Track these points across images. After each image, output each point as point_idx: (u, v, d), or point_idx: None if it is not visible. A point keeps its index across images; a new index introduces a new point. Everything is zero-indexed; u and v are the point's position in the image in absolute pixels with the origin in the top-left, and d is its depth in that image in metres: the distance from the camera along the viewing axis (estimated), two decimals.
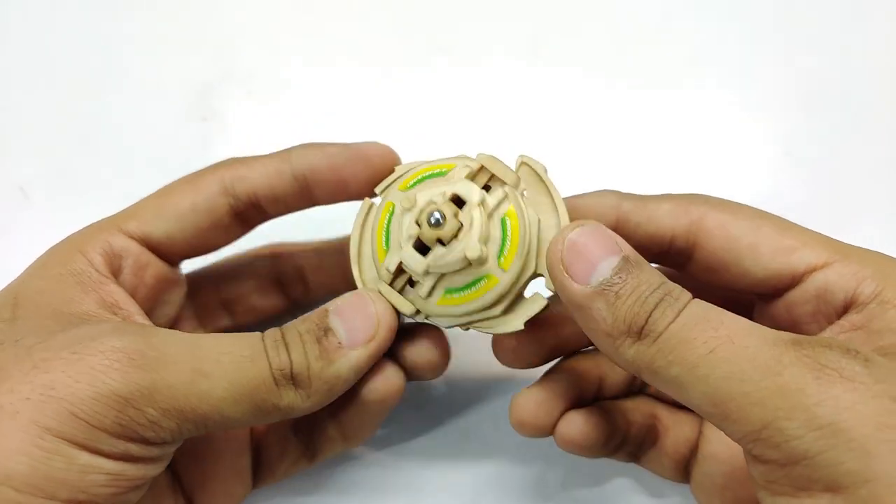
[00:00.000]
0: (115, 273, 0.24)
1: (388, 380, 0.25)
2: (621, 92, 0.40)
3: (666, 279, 0.21)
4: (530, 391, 0.26)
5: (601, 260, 0.21)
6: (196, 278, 0.29)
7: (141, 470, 0.21)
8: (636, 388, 0.28)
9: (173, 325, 0.28)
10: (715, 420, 0.19)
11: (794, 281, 0.22)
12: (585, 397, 0.27)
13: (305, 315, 0.23)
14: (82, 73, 0.40)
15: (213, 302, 0.30)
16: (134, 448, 0.20)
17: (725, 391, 0.18)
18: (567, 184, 0.37)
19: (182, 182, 0.26)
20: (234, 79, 0.40)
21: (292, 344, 0.22)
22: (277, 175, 0.26)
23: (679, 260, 0.25)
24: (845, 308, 0.22)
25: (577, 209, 0.25)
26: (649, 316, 0.20)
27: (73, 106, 0.39)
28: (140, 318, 0.24)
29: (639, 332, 0.20)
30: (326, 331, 0.22)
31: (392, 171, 0.26)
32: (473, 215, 0.22)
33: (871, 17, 0.41)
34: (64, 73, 0.40)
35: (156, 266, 0.26)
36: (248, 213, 0.26)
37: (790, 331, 0.20)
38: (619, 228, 0.24)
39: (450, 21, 0.42)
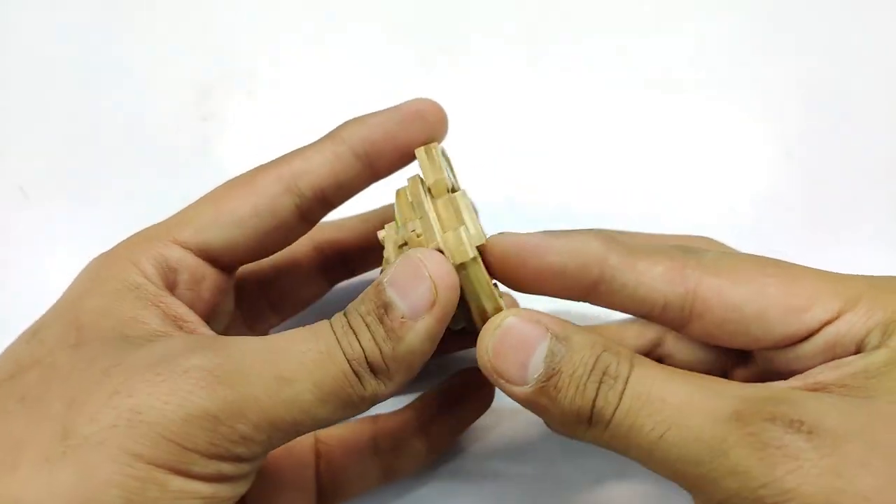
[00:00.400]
0: (171, 287, 0.23)
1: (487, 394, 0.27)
2: (621, 92, 0.40)
3: (601, 347, 0.20)
4: None
5: (530, 355, 0.20)
6: (239, 281, 0.27)
7: (232, 489, 0.20)
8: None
9: (225, 333, 0.27)
10: (683, 487, 0.19)
11: (805, 337, 0.21)
12: None
13: (364, 293, 0.21)
14: (82, 74, 0.40)
15: (260, 303, 0.29)
16: (226, 467, 0.20)
17: (682, 472, 0.19)
18: (567, 184, 0.38)
19: (236, 185, 0.24)
20: (234, 79, 0.40)
21: (359, 330, 0.20)
22: (338, 160, 0.24)
23: (672, 325, 0.22)
24: (855, 353, 0.21)
25: (560, 253, 0.22)
26: (593, 406, 0.19)
27: (74, 106, 0.39)
28: (205, 329, 0.23)
29: (588, 421, 0.20)
30: (387, 307, 0.20)
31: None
32: None
33: (871, 18, 0.41)
34: (64, 73, 0.40)
35: (212, 278, 0.24)
36: (314, 209, 0.25)
37: (786, 372, 0.21)
38: (602, 287, 0.22)
39: (450, 21, 0.42)
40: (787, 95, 0.39)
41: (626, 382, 0.19)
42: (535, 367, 0.20)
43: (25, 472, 0.18)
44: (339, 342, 0.20)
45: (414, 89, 0.40)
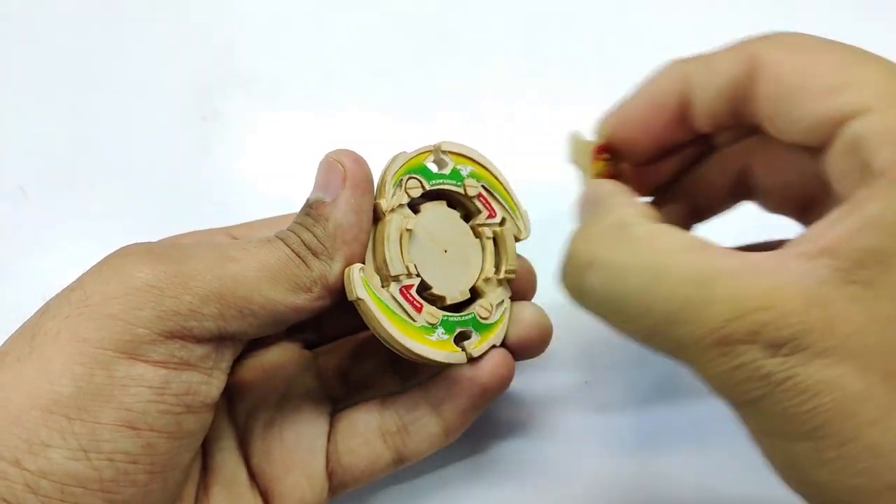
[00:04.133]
0: None
1: (500, 362, 0.25)
2: (623, 91, 0.39)
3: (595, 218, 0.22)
4: None
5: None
6: None
7: (186, 379, 0.21)
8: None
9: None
10: None
11: (832, 131, 0.18)
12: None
13: None
14: (82, 74, 0.40)
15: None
16: (177, 348, 0.20)
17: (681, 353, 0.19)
18: (568, 183, 0.38)
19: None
20: (234, 79, 0.40)
21: (294, 227, 0.23)
22: None
23: (748, 114, 0.21)
24: (868, 173, 0.17)
25: (643, 94, 0.25)
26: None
27: (73, 106, 0.39)
28: None
29: None
30: (312, 204, 0.24)
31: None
32: None
33: (872, 18, 0.41)
34: (64, 73, 0.40)
35: None
36: None
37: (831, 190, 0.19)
38: (686, 96, 0.23)
39: (449, 21, 0.42)
40: None
41: (591, 269, 0.20)
42: None
43: (2, 376, 0.19)
44: (279, 238, 0.23)
45: (413, 89, 0.40)
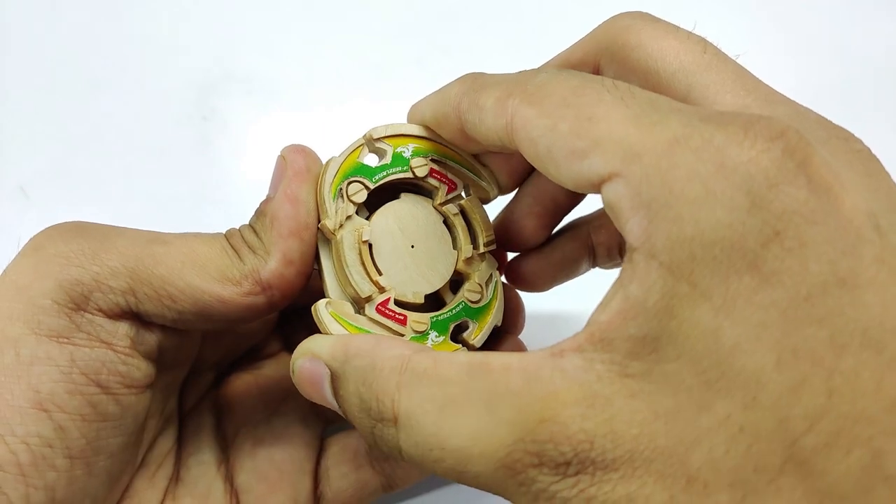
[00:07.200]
0: None
1: None
2: None
3: (361, 381, 0.18)
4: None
5: (324, 393, 0.19)
6: None
7: (96, 357, 0.20)
8: None
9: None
10: None
11: (596, 191, 0.17)
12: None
13: None
14: (82, 73, 0.40)
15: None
16: (83, 322, 0.19)
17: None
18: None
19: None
20: (234, 79, 0.40)
21: (243, 226, 0.23)
22: None
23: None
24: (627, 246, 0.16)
25: (429, 105, 0.23)
26: (374, 437, 0.18)
27: (74, 106, 0.39)
28: None
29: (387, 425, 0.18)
30: (262, 202, 0.23)
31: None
32: None
33: (872, 17, 0.41)
34: (64, 72, 0.40)
35: None
36: None
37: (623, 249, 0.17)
38: (466, 130, 0.21)
39: (449, 21, 0.42)
40: (786, 95, 0.39)
41: (397, 426, 0.17)
42: (333, 401, 0.19)
43: None
44: (224, 234, 0.22)
45: (413, 88, 0.40)
